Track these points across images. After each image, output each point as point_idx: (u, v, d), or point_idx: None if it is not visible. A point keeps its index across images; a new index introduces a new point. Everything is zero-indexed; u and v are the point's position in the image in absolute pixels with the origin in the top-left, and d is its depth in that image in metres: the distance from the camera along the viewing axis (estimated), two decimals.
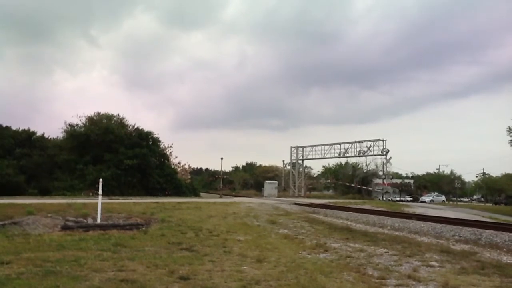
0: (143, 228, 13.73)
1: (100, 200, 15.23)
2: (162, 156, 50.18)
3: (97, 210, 15.05)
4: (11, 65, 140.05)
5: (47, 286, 5.71)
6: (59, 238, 10.76)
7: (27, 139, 43.68)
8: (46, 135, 47.26)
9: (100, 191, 15.46)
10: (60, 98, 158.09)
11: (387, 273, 7.46)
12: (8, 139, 42.22)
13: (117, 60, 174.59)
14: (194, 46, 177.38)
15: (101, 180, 15.89)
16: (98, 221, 14.60)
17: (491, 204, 70.21)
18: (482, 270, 7.80)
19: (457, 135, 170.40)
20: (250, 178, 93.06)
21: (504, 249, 11.03)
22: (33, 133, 45.38)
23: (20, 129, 45.44)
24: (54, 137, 48.21)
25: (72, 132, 44.87)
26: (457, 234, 14.20)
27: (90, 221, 15.23)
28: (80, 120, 46.66)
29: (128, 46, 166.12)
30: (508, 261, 9.10)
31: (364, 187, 65.25)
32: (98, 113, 47.99)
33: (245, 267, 7.56)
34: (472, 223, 17.55)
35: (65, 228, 13.08)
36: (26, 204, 18.89)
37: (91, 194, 33.13)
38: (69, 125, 45.77)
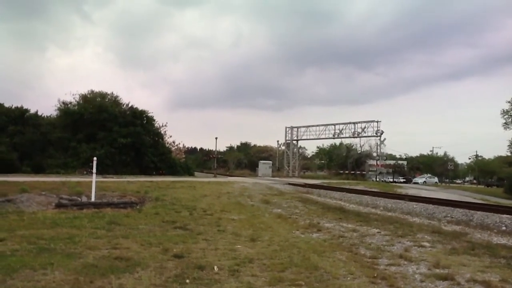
0: (137, 207, 13.76)
1: (94, 178, 15.21)
2: (156, 135, 49.98)
3: (91, 189, 15.04)
4: (2, 42, 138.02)
5: (41, 263, 5.73)
6: (53, 215, 10.77)
7: (20, 116, 43.28)
8: (39, 113, 46.90)
9: (94, 170, 15.43)
10: (53, 76, 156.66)
11: (379, 252, 7.54)
12: (0, 116, 41.85)
13: (110, 37, 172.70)
14: (189, 23, 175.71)
15: (95, 158, 15.84)
16: (92, 199, 14.61)
17: (483, 186, 70.93)
18: (472, 251, 7.89)
19: (451, 117, 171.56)
20: (244, 158, 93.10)
21: (495, 230, 11.17)
22: (26, 110, 44.94)
23: (13, 106, 45.02)
24: (48, 115, 47.91)
25: (65, 110, 44.57)
26: (449, 215, 14.35)
27: (84, 199, 15.22)
28: (74, 98, 46.37)
29: (122, 23, 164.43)
30: (498, 242, 9.21)
31: (358, 168, 65.55)
32: (92, 91, 47.69)
33: (238, 246, 7.61)
34: (464, 204, 17.71)
35: (59, 206, 13.07)
36: (20, 182, 18.85)
37: (85, 172, 33.09)
38: (63, 102, 45.49)
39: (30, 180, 21.10)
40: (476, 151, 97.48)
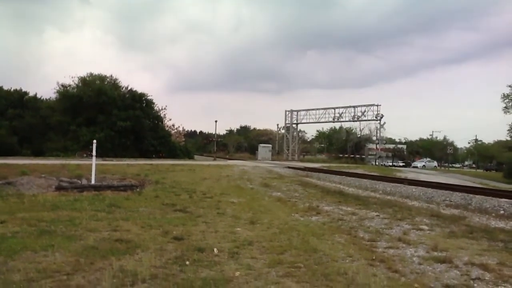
0: (137, 190, 13.80)
1: (94, 161, 15.22)
2: (156, 118, 49.99)
3: (91, 171, 15.07)
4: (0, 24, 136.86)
5: (42, 245, 5.76)
6: (54, 198, 10.80)
7: (19, 99, 43.20)
8: (38, 96, 46.78)
9: (94, 152, 15.43)
10: (51, 58, 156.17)
11: (377, 235, 7.56)
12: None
13: (109, 19, 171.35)
14: (189, 7, 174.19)
15: (95, 141, 15.84)
16: (92, 182, 14.65)
17: (482, 170, 71.09)
18: (470, 234, 7.92)
19: (451, 101, 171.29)
20: (244, 142, 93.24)
21: (493, 214, 11.20)
22: (25, 93, 44.83)
23: (12, 89, 44.85)
24: (47, 98, 47.79)
25: (64, 93, 44.41)
26: (447, 199, 14.38)
27: (84, 182, 15.27)
28: (73, 80, 46.21)
29: (121, 5, 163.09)
30: (496, 226, 9.24)
31: (357, 152, 65.65)
32: (91, 74, 47.49)
33: (238, 229, 7.64)
34: (463, 188, 17.73)
35: (59, 188, 13.11)
36: (20, 165, 18.89)
37: (85, 155, 33.13)
38: (62, 85, 45.28)
39: (30, 163, 21.13)
40: (476, 136, 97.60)
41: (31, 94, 45.58)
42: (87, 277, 4.55)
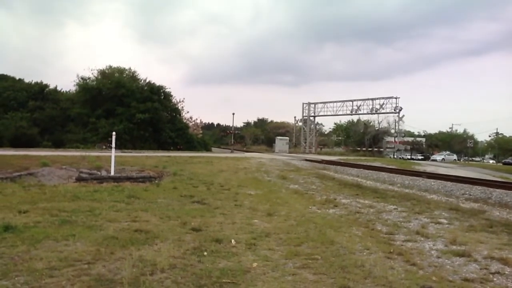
0: (156, 181, 13.93)
1: (113, 153, 15.40)
2: (174, 111, 50.30)
3: (110, 163, 15.25)
4: (21, 18, 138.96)
5: (63, 234, 5.87)
6: (74, 189, 10.97)
7: (40, 92, 43.88)
8: (58, 88, 47.43)
9: (113, 144, 15.60)
10: (71, 51, 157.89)
11: (395, 229, 7.52)
12: (21, 91, 42.42)
13: (127, 12, 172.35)
14: None
15: (114, 133, 16.00)
16: (112, 173, 14.82)
17: (502, 164, 69.88)
18: (490, 228, 7.82)
19: (472, 94, 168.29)
20: (261, 134, 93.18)
21: None
22: (46, 86, 45.53)
23: (33, 82, 45.58)
24: (67, 91, 48.46)
25: (84, 86, 44.95)
26: (467, 192, 14.20)
27: (103, 173, 15.47)
28: (92, 73, 46.77)
29: None
30: None
31: (375, 145, 65.07)
32: (110, 67, 48.00)
33: (255, 220, 7.68)
34: (483, 182, 17.46)
35: (79, 179, 13.31)
36: (41, 156, 19.18)
37: (104, 147, 33.54)
38: (81, 78, 45.82)
39: (50, 154, 21.45)
40: (497, 129, 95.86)
41: (52, 86, 46.36)
42: (108, 266, 4.64)
